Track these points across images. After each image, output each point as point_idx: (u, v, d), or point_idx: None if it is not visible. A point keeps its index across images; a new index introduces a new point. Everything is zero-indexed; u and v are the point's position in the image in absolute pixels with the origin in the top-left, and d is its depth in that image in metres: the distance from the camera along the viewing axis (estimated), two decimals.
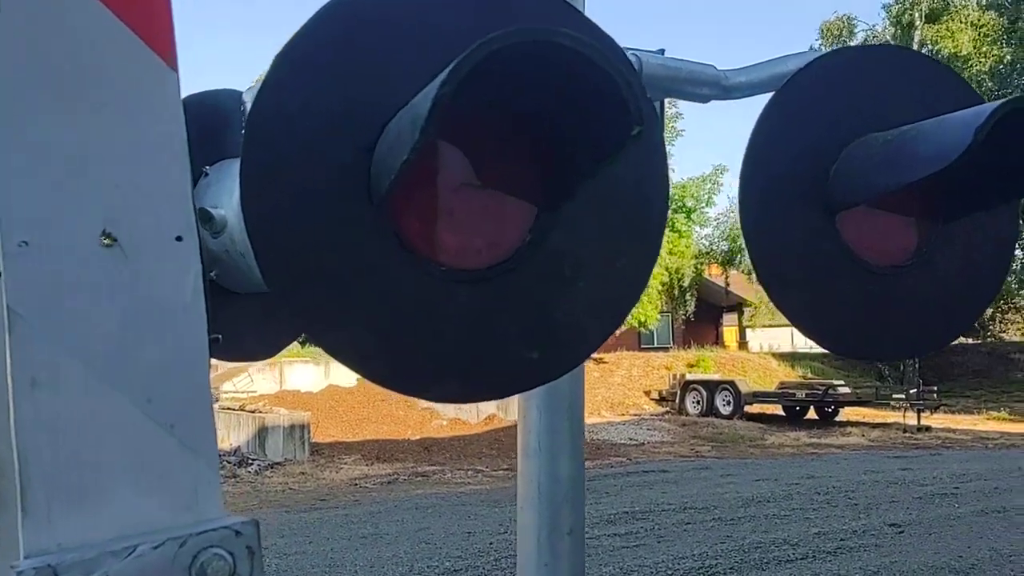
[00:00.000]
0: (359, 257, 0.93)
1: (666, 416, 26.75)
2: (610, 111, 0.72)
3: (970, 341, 47.02)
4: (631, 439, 21.74)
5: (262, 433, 18.08)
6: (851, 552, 10.04)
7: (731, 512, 12.07)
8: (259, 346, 1.60)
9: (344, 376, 25.85)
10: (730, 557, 9.81)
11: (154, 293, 0.89)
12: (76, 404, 0.84)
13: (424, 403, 25.13)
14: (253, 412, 19.12)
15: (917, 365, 37.44)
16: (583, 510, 1.57)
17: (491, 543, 10.77)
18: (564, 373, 1.05)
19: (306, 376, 25.72)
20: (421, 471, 17.12)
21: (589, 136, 0.78)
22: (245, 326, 1.56)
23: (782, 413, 27.49)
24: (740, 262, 40.60)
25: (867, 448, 20.96)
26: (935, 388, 27.18)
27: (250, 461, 17.25)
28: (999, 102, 1.04)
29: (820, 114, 1.29)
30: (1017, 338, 45.65)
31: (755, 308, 44.97)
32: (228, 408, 19.46)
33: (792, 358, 41.54)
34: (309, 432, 18.79)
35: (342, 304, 0.91)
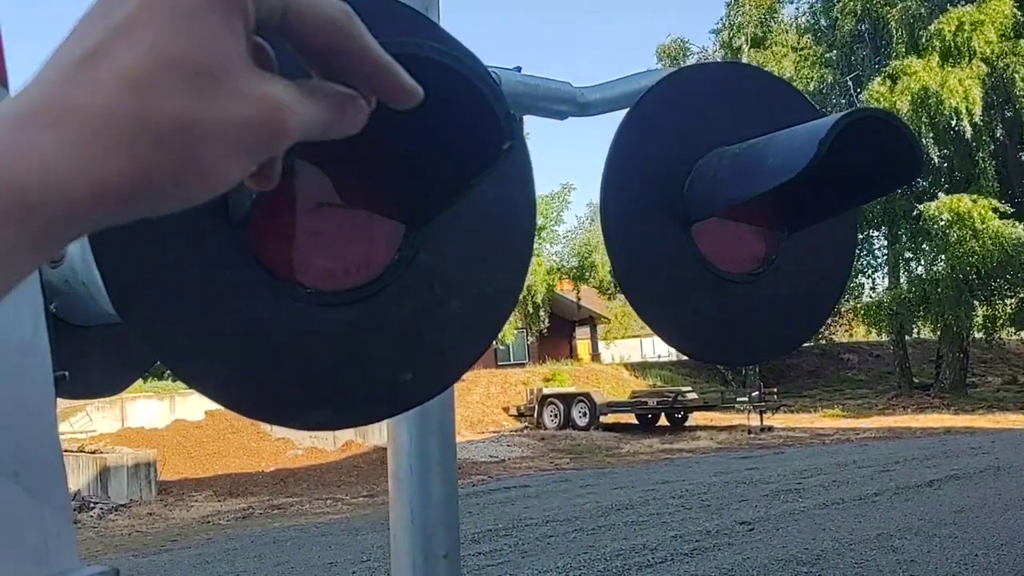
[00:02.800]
0: (217, 280, 0.88)
1: (525, 431, 26.99)
2: (479, 126, 0.71)
3: (804, 344, 49.79)
4: (492, 456, 21.82)
5: (104, 474, 17.06)
6: (706, 552, 10.40)
7: (592, 522, 12.29)
8: (105, 382, 1.49)
9: (191, 410, 24.78)
10: (593, 567, 9.98)
11: None
12: None
13: (278, 433, 24.40)
14: (93, 453, 18.03)
15: (757, 369, 39.35)
16: (457, 532, 1.55)
17: (354, 572, 10.57)
18: (437, 394, 1.03)
19: (150, 412, 24.49)
20: (277, 503, 16.58)
21: (457, 153, 0.77)
22: (89, 361, 1.45)
23: (635, 422, 28.25)
24: (589, 277, 41.60)
25: (716, 451, 21.82)
26: (775, 390, 28.63)
27: (92, 505, 16.25)
28: (840, 114, 1.10)
29: (672, 129, 1.33)
30: (845, 339, 48.64)
31: (608, 323, 46.15)
32: (66, 450, 18.24)
33: (642, 368, 42.85)
34: (155, 471, 17.88)
35: (200, 331, 0.85)
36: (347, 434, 23.00)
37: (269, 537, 13.01)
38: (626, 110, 1.34)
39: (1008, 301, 33.85)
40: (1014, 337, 41.52)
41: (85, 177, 0.44)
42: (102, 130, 0.44)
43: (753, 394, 26.74)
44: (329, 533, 13.26)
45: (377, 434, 22.22)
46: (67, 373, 0.91)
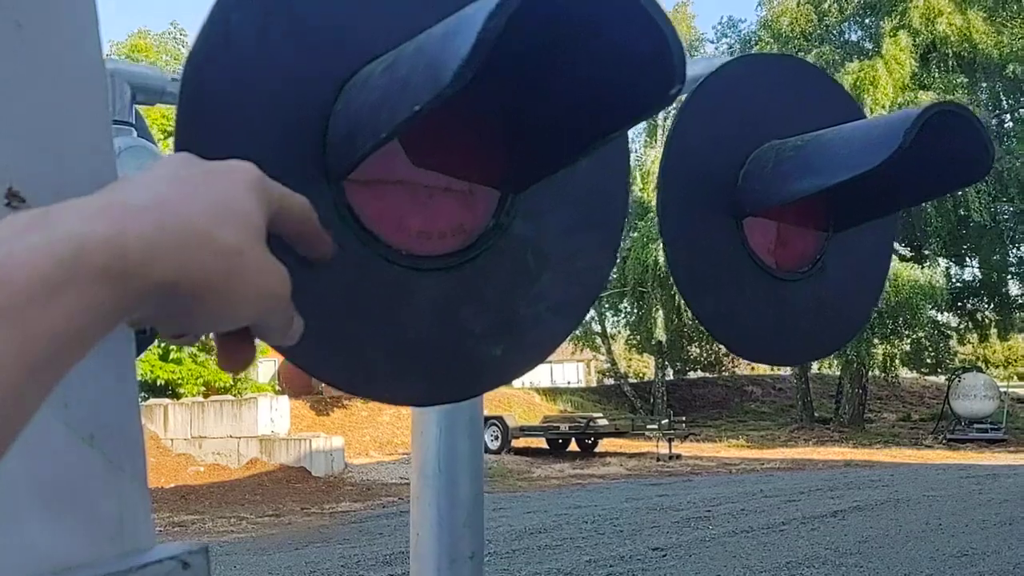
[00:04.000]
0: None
1: None
2: (650, 68, 0.66)
3: (709, 375, 50.93)
4: (402, 478, 21.52)
5: None
6: None
7: (506, 545, 12.21)
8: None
9: None
10: None
11: None
12: None
13: (179, 448, 23.63)
14: None
15: (665, 397, 40.02)
16: (483, 533, 1.47)
17: None
18: (525, 372, 0.96)
19: None
20: (178, 521, 16.01)
21: (618, 96, 0.71)
22: None
23: (546, 446, 28.30)
24: None
25: (626, 477, 22.01)
26: (683, 418, 29.09)
27: None
28: (922, 107, 1.08)
29: (728, 120, 1.30)
30: (748, 371, 49.87)
31: None
32: None
33: (553, 393, 43.06)
34: None
35: (294, 294, 0.77)
36: (252, 451, 22.42)
37: None
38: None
39: (905, 341, 35.28)
40: (908, 376, 43.26)
41: (166, 259, 0.55)
42: (186, 232, 0.56)
43: (663, 422, 27.10)
44: (234, 552, 12.85)
45: (284, 453, 21.74)
46: (148, 328, 0.81)
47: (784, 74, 1.36)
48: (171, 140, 0.90)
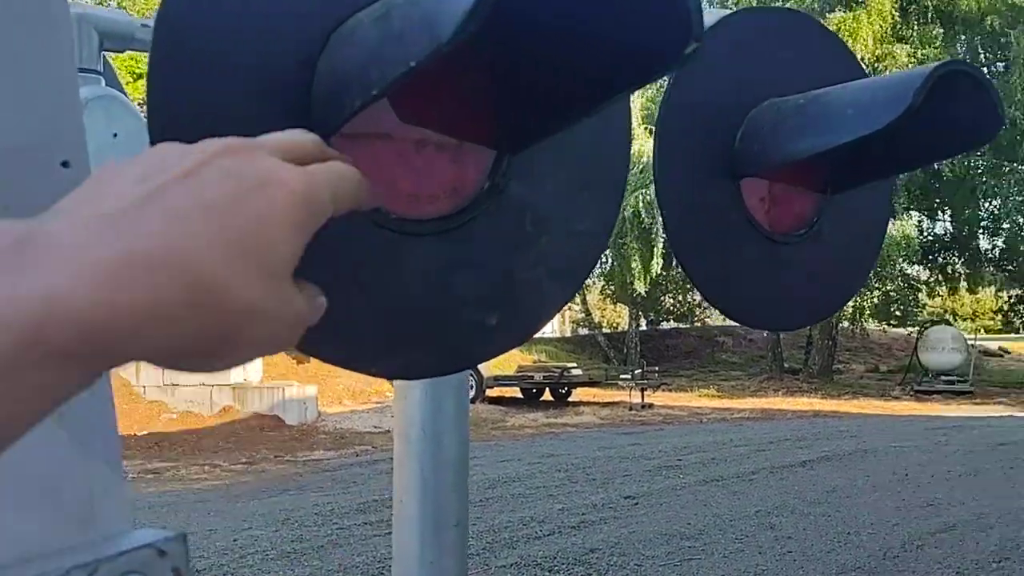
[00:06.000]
0: None
1: None
2: (664, 24, 0.61)
3: (681, 325, 51.38)
4: (375, 427, 21.62)
5: None
6: (593, 525, 10.56)
7: (479, 494, 12.31)
8: None
9: None
10: (481, 538, 9.98)
11: None
12: None
13: (151, 395, 23.53)
14: None
15: (639, 347, 40.33)
16: (467, 499, 1.44)
17: (235, 539, 10.27)
18: (521, 343, 0.92)
19: None
20: (151, 468, 16.01)
21: (633, 54, 0.65)
22: None
23: (520, 396, 28.51)
24: None
25: (599, 426, 22.25)
26: (656, 369, 29.37)
27: None
28: (933, 65, 1.04)
29: (726, 77, 1.25)
30: (720, 322, 50.29)
31: None
32: None
33: (528, 342, 43.18)
34: None
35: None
36: (225, 399, 22.38)
37: (144, 503, 12.52)
38: None
39: (874, 293, 35.72)
40: (876, 328, 43.88)
41: (160, 331, 0.43)
42: (195, 292, 0.44)
43: (635, 372, 27.35)
44: (207, 500, 12.88)
45: (257, 401, 21.73)
46: None
47: (784, 28, 1.31)
48: (140, 83, 0.84)
